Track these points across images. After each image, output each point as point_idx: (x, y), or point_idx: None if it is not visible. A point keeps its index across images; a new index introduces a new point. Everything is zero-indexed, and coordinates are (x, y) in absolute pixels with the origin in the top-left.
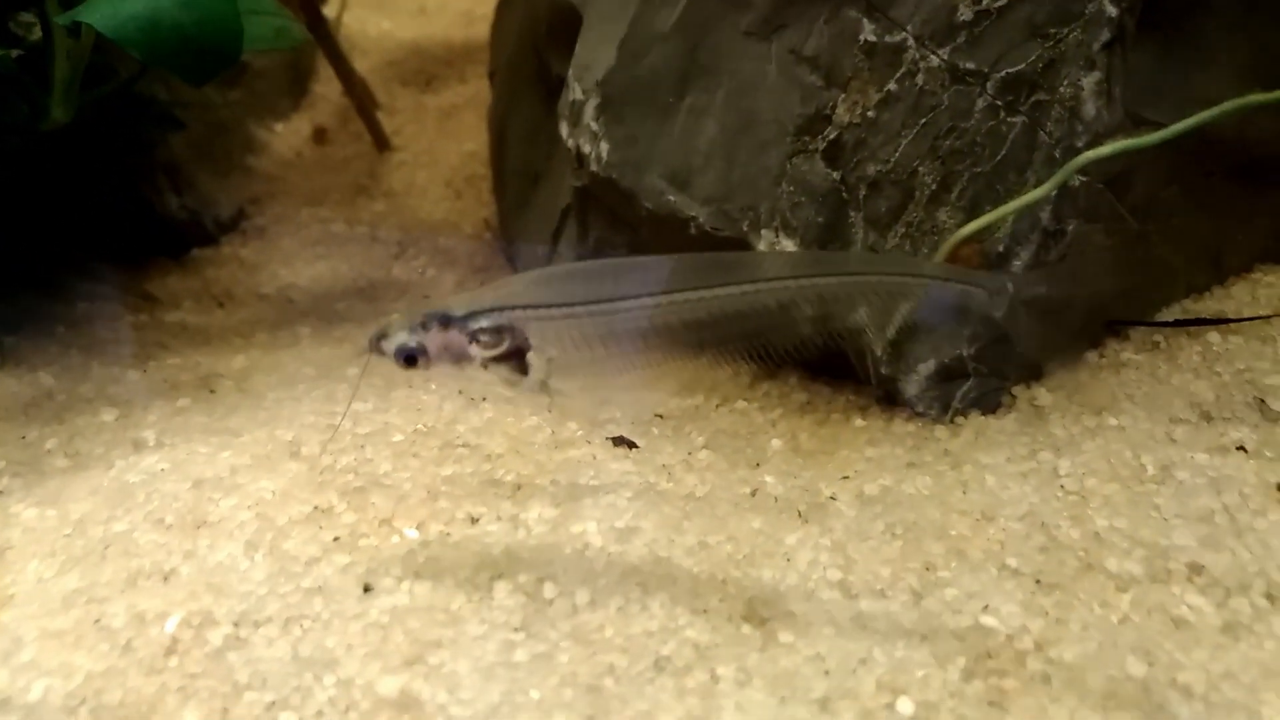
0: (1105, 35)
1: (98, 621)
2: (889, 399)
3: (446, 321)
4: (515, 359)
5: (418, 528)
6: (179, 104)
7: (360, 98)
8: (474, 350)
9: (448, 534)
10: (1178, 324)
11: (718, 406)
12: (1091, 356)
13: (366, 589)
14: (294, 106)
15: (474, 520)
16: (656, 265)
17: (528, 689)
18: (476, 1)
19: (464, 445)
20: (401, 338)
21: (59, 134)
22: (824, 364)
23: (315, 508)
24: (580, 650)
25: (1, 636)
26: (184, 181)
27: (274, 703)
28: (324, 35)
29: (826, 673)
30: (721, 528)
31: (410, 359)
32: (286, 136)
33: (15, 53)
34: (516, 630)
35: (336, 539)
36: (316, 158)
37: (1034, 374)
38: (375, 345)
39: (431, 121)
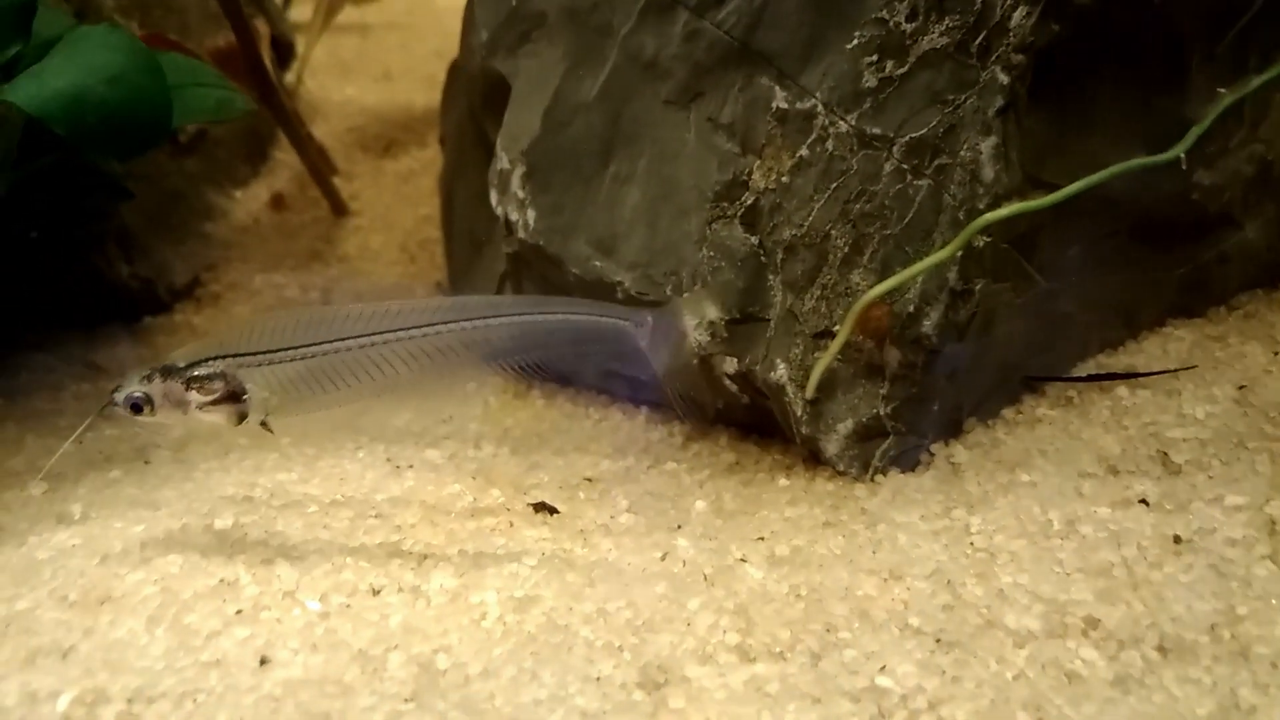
0: (999, 101)
1: None
2: (814, 458)
3: (168, 372)
4: (231, 402)
5: (320, 600)
6: (131, 174)
7: (316, 164)
8: (191, 396)
9: (348, 605)
10: (1090, 379)
11: (648, 468)
12: (1008, 412)
13: (263, 662)
14: (254, 173)
15: (375, 592)
16: (356, 312)
17: None
18: (441, 66)
19: (376, 516)
20: (129, 389)
21: None
22: (754, 423)
23: (221, 580)
24: None
25: None
26: (138, 250)
27: None
28: (276, 104)
29: None
30: (624, 594)
31: (136, 407)
32: (245, 203)
33: None
34: (406, 701)
35: (239, 612)
36: (273, 224)
37: (953, 431)
38: (110, 397)
39: (389, 186)
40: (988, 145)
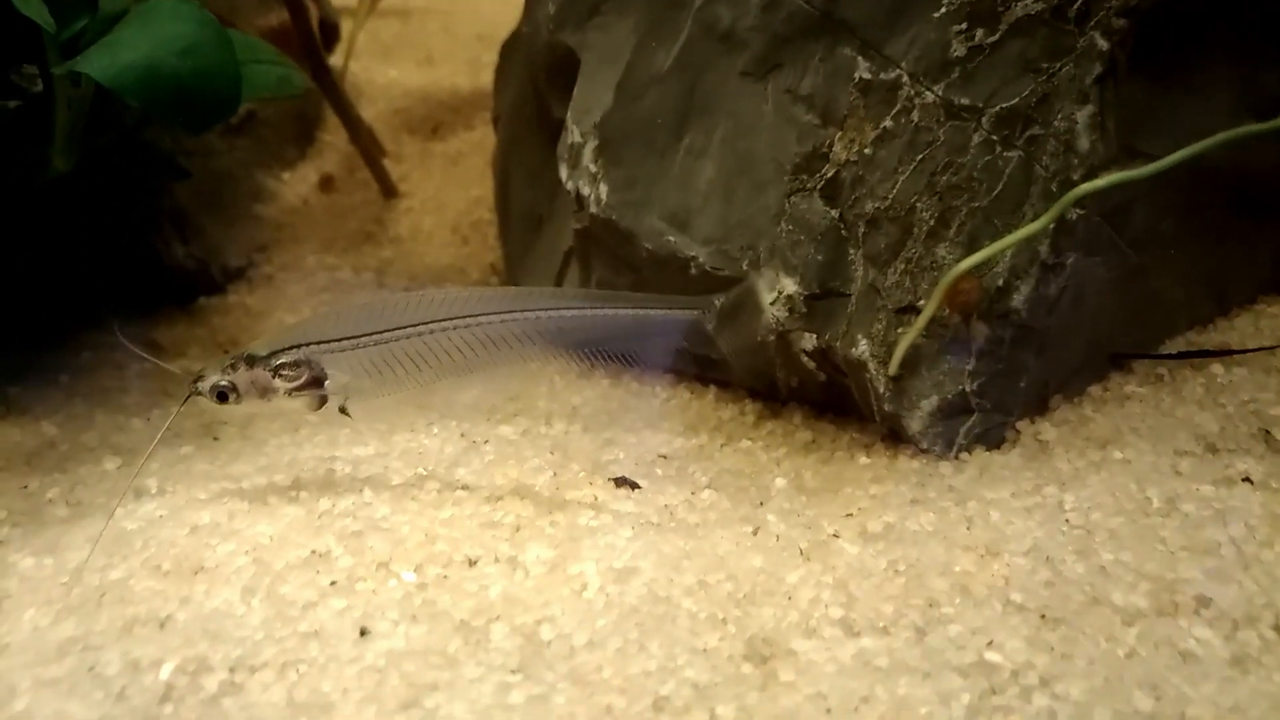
0: (1097, 69)
1: (92, 669)
2: (893, 436)
3: (252, 361)
4: (314, 387)
5: (415, 570)
6: (183, 152)
7: (366, 146)
8: (277, 384)
9: (445, 576)
10: (1181, 356)
11: (722, 446)
12: (1095, 390)
13: (363, 632)
14: (301, 155)
15: (472, 562)
16: (430, 298)
17: None
18: (482, 49)
19: (463, 488)
20: (214, 379)
21: (61, 183)
22: (829, 401)
23: (313, 552)
24: (577, 691)
25: None
26: (191, 230)
27: None
28: (329, 84)
29: (828, 711)
30: (722, 567)
31: (223, 396)
32: (294, 184)
33: (14, 103)
34: (513, 672)
35: (333, 583)
36: (324, 205)
37: (1038, 409)
38: (193, 387)
39: (438, 168)
40: (1084, 114)
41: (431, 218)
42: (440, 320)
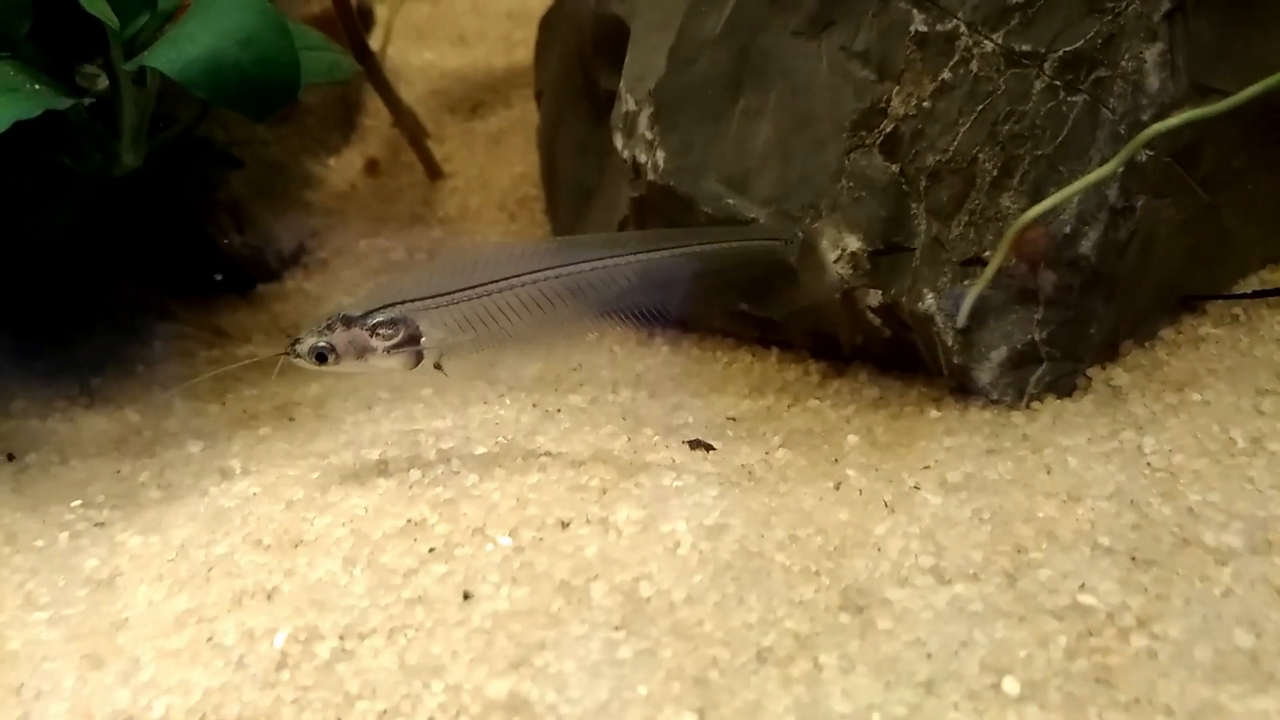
0: (1166, 5)
1: (210, 640)
2: (962, 389)
3: (349, 321)
4: (410, 345)
5: (510, 534)
6: (234, 143)
7: (411, 128)
8: (375, 342)
9: (540, 539)
10: (1257, 295)
11: (789, 406)
12: (1168, 333)
13: (466, 596)
14: (345, 140)
15: (564, 525)
16: (519, 250)
17: (635, 685)
18: (514, 26)
19: (545, 454)
20: (311, 340)
21: (129, 179)
22: (893, 358)
23: (408, 521)
24: (682, 645)
25: (120, 658)
26: (245, 219)
27: (386, 711)
28: (372, 67)
29: (929, 656)
30: (809, 521)
31: (321, 357)
32: (340, 170)
33: (89, 100)
34: (617, 629)
35: (432, 550)
36: (371, 189)
37: (1109, 354)
38: (290, 350)
39: (480, 147)
40: (1153, 53)
41: (478, 196)
42: (535, 271)
